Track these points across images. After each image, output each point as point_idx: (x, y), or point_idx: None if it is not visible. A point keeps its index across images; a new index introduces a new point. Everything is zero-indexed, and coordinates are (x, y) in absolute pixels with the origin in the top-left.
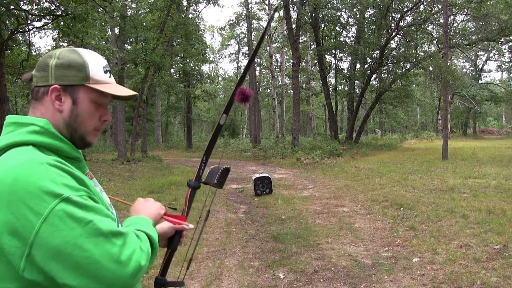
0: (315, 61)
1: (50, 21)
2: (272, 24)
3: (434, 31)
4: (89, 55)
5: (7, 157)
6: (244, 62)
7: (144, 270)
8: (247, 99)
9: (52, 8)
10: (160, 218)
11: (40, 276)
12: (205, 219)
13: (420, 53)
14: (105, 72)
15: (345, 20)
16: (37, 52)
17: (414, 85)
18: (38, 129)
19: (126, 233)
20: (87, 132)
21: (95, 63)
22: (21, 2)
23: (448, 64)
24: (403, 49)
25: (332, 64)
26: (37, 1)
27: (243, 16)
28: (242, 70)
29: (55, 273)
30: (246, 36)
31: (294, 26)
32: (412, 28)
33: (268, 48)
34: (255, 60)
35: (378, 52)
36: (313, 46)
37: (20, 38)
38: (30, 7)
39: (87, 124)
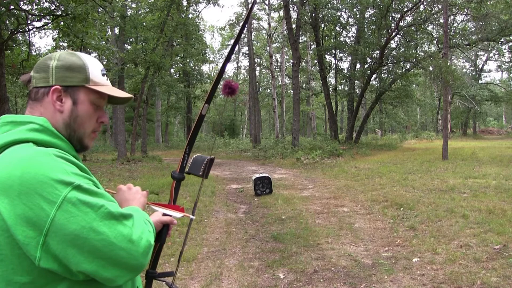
0: (315, 61)
1: (50, 21)
2: (272, 24)
3: (434, 31)
4: (87, 58)
5: (10, 153)
6: (244, 62)
7: (151, 249)
8: (233, 92)
9: (52, 8)
10: (145, 205)
11: (55, 264)
12: (193, 211)
13: (420, 53)
14: (103, 75)
15: (345, 20)
16: (37, 52)
17: (414, 85)
18: (37, 127)
19: (133, 215)
20: (86, 134)
21: (94, 66)
22: (21, 2)
23: (448, 64)
24: (403, 49)
25: (332, 64)
26: (37, 1)
27: (243, 16)
28: (242, 70)
29: (71, 258)
30: (246, 36)
31: (294, 26)
32: (412, 28)
33: (268, 48)
34: (255, 61)
35: (378, 52)
36: (313, 46)
37: (20, 38)
38: (30, 7)
39: (85, 125)
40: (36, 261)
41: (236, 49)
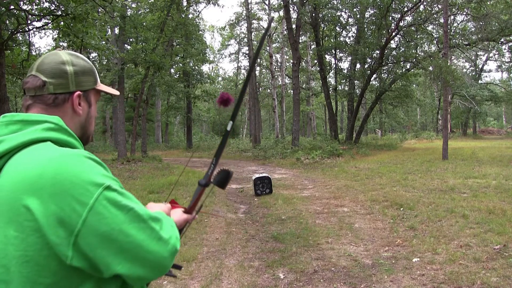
0: (315, 61)
1: (50, 21)
2: (272, 24)
3: (434, 31)
4: (87, 59)
5: (34, 152)
6: (244, 62)
7: (177, 253)
8: (227, 103)
9: (52, 8)
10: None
11: (85, 263)
12: (198, 211)
13: (420, 53)
14: None
15: (345, 20)
16: (37, 52)
17: (414, 85)
18: (54, 126)
19: (161, 218)
20: (92, 131)
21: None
22: (21, 2)
23: (448, 64)
24: (403, 49)
25: (332, 64)
26: (37, 1)
27: (243, 16)
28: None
29: (101, 259)
30: (246, 36)
31: (294, 26)
32: (412, 28)
33: (268, 48)
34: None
35: (378, 52)
36: (313, 46)
37: (20, 38)
38: (30, 7)
39: (93, 123)
40: (68, 260)
41: (235, 49)
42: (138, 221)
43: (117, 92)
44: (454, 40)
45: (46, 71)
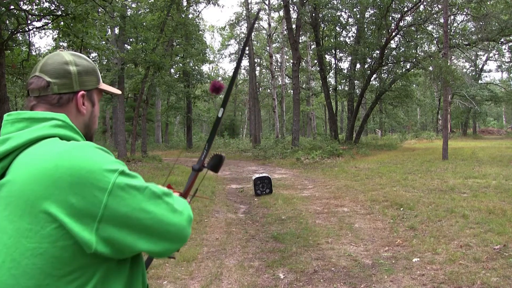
0: (315, 61)
1: (50, 21)
2: (272, 24)
3: (434, 31)
4: (89, 59)
5: (45, 147)
6: (244, 62)
7: (192, 221)
8: (219, 90)
9: (52, 8)
10: None
11: (109, 248)
12: (193, 195)
13: (420, 53)
14: None
15: (345, 20)
16: (37, 52)
17: (414, 85)
18: (61, 123)
19: (171, 192)
20: (95, 130)
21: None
22: (21, 2)
23: (448, 64)
24: (403, 49)
25: (332, 64)
26: (37, 1)
27: (243, 16)
28: (242, 70)
29: (125, 239)
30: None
31: (294, 26)
32: (412, 28)
33: (268, 48)
34: (255, 61)
35: (378, 52)
36: (313, 46)
37: (20, 38)
38: (30, 7)
39: (96, 122)
40: (93, 247)
41: (235, 49)
42: (155, 198)
43: (119, 92)
44: (454, 40)
45: (49, 71)
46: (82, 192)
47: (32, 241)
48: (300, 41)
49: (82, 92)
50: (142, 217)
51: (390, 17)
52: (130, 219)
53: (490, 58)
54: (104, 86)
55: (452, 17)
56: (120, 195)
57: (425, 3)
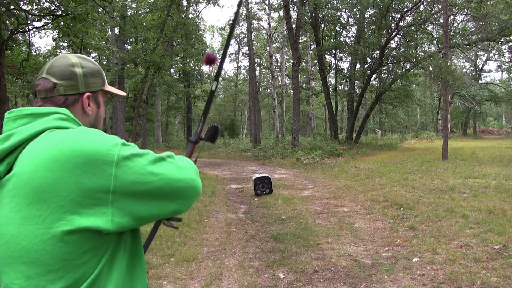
0: (315, 61)
1: (50, 21)
2: (272, 24)
3: (434, 31)
4: (95, 61)
5: (48, 136)
6: (244, 62)
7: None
8: (212, 62)
9: (52, 8)
10: None
11: (126, 218)
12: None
13: (420, 53)
14: None
15: (345, 20)
16: (37, 52)
17: (414, 85)
18: (64, 116)
19: (173, 154)
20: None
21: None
22: (21, 2)
23: (448, 64)
24: (403, 49)
25: (332, 64)
26: (37, 1)
27: (243, 16)
28: (242, 70)
29: (140, 205)
30: (246, 36)
31: (294, 26)
32: (412, 28)
33: (268, 48)
34: (255, 61)
35: (378, 52)
36: (313, 46)
37: (20, 38)
38: (30, 7)
39: (101, 123)
40: (110, 219)
41: (236, 49)
42: (159, 160)
43: (124, 93)
44: (454, 40)
45: (56, 73)
46: (91, 170)
47: (41, 227)
48: (300, 41)
49: (87, 93)
50: (151, 180)
51: (390, 17)
52: (141, 184)
53: (490, 58)
54: (109, 88)
55: (452, 17)
56: (127, 164)
57: (425, 3)
